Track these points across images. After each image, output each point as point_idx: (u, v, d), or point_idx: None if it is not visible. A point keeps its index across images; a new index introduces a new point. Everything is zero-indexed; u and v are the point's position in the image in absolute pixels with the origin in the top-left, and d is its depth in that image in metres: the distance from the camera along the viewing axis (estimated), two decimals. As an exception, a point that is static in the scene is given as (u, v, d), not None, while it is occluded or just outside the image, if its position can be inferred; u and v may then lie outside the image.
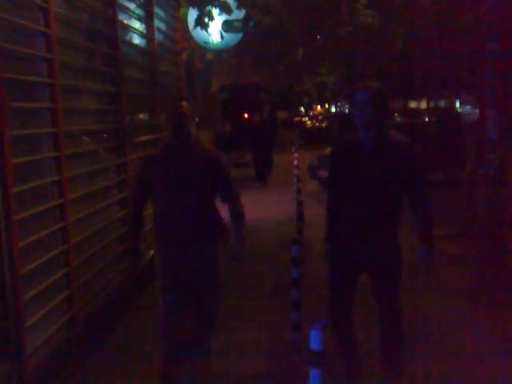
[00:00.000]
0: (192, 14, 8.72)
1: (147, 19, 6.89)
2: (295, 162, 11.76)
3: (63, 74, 4.32)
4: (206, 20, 7.06)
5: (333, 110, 58.76)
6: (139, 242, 4.01)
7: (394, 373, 3.77)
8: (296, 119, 42.43)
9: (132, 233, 4.13)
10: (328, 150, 14.50)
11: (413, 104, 47.54)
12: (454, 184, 13.25)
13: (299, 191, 7.79)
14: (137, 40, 6.57)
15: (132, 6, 6.33)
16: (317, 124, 34.72)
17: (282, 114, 38.10)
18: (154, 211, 3.90)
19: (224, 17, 8.24)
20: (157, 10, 7.23)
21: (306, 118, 43.33)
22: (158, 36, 7.22)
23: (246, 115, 24.03)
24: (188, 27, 9.34)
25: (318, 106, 61.10)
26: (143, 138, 6.50)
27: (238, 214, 3.96)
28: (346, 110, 42.44)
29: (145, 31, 6.82)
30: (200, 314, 4.04)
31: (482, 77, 5.84)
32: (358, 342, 3.91)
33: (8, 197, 3.40)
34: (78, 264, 4.48)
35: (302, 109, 56.28)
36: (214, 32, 9.01)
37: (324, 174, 13.47)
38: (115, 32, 5.61)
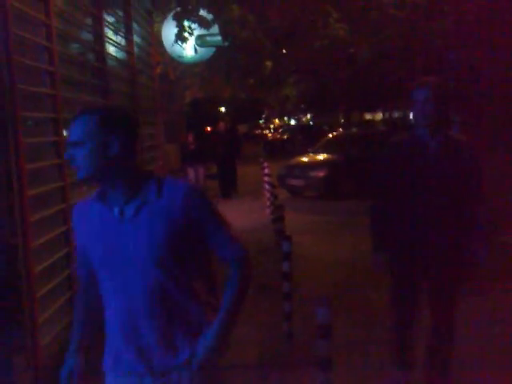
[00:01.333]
0: (166, 29, 9.04)
1: (127, 33, 7.18)
2: (266, 171, 12.13)
3: (62, 86, 4.58)
4: (187, 35, 7.40)
5: (292, 122, 59.84)
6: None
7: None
8: (257, 132, 43.04)
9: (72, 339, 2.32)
10: (296, 160, 15.01)
11: (368, 116, 48.92)
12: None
13: (276, 196, 8.14)
14: (119, 54, 6.85)
15: (114, 21, 6.61)
16: (278, 136, 35.32)
17: (241, 128, 38.70)
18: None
19: (197, 31, 8.58)
20: (134, 25, 7.53)
21: (267, 131, 44.02)
22: (136, 50, 7.52)
23: (208, 128, 24.47)
24: (162, 41, 9.66)
25: (276, 120, 62.12)
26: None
27: (238, 291, 2.22)
28: (311, 123, 43.46)
29: (125, 45, 7.10)
30: None
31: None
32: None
33: (24, 200, 3.64)
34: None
35: (261, 122, 57.07)
36: (188, 46, 9.34)
37: (293, 182, 13.96)
38: (102, 46, 5.89)
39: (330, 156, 14.34)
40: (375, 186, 3.64)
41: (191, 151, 14.11)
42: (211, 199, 2.21)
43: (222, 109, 34.02)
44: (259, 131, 44.82)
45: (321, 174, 13.46)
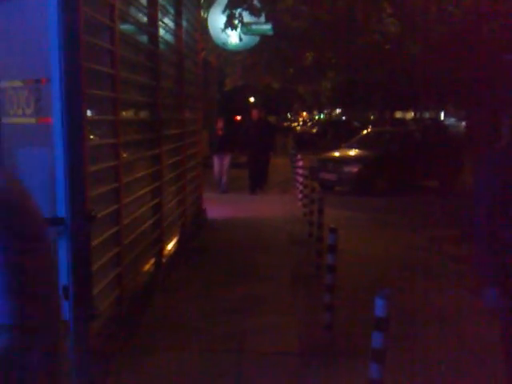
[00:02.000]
0: (213, 16, 9.07)
1: (177, 18, 7.22)
2: (300, 163, 12.12)
3: (121, 66, 4.63)
4: (236, 22, 7.41)
5: (321, 116, 59.66)
6: None
7: None
8: (285, 124, 43.03)
9: None
10: (330, 155, 14.96)
11: (398, 114, 48.58)
12: (447, 191, 13.87)
13: (313, 189, 8.13)
14: (169, 37, 6.89)
15: (167, 5, 6.66)
16: (307, 130, 35.24)
17: (270, 119, 38.79)
18: None
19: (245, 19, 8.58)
20: (183, 9, 7.57)
21: (296, 124, 43.99)
22: (184, 35, 7.56)
23: (237, 117, 24.49)
24: (207, 28, 9.69)
25: (305, 113, 61.96)
26: (172, 132, 6.81)
27: None
28: (343, 118, 43.31)
29: (174, 29, 7.15)
30: None
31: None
32: None
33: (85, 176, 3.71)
34: (127, 244, 4.78)
35: (289, 115, 56.97)
36: (233, 34, 9.36)
37: (326, 176, 13.93)
38: (156, 28, 5.93)
39: (363, 152, 14.28)
40: (483, 205, 2.99)
41: (219, 137, 13.59)
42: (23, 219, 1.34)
43: (251, 99, 33.99)
44: (287, 123, 44.76)
45: (354, 169, 13.41)
